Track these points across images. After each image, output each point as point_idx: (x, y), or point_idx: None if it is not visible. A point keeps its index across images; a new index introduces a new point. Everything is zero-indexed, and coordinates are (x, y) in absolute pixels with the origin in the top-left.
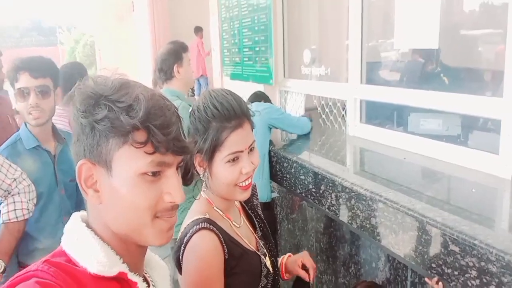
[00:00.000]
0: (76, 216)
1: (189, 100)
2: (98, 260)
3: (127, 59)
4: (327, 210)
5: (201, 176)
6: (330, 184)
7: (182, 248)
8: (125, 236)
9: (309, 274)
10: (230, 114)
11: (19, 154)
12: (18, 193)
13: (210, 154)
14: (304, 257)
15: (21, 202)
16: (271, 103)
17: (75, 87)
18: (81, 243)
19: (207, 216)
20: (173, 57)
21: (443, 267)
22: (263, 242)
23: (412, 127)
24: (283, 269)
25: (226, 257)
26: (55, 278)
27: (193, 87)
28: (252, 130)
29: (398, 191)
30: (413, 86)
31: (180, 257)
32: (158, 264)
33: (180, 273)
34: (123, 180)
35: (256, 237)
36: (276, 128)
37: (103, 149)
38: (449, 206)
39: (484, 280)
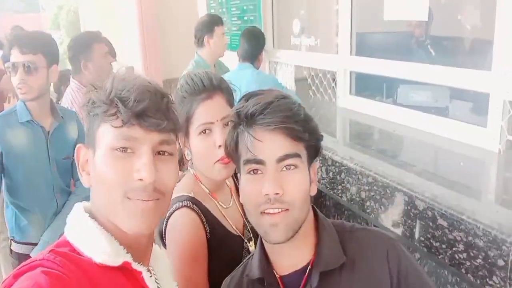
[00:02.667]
0: (79, 206)
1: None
2: (103, 250)
3: (112, 27)
4: (317, 183)
5: (187, 156)
6: (320, 158)
7: (164, 222)
8: (112, 221)
9: None
10: (199, 87)
11: (10, 126)
12: None
13: (185, 130)
14: None
15: None
16: (263, 42)
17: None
18: (84, 233)
19: (191, 195)
20: (205, 29)
21: (431, 240)
22: (251, 225)
23: (402, 99)
24: None
25: (208, 236)
26: (61, 267)
27: None
28: (231, 106)
29: (387, 164)
30: (403, 58)
31: (163, 232)
32: (159, 253)
33: (164, 247)
34: (99, 157)
35: (245, 219)
36: None
37: (91, 131)
38: (437, 180)
39: (471, 254)
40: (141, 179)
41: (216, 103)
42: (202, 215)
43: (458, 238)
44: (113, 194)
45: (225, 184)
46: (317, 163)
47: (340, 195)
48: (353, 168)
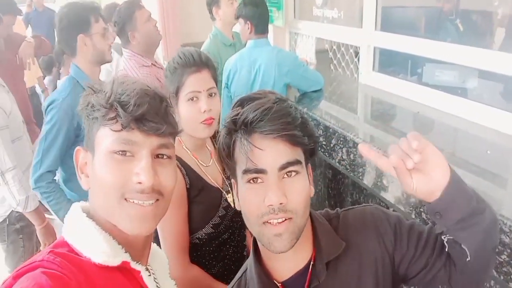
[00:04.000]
0: (77, 206)
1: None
2: (102, 250)
3: None
4: (337, 164)
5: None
6: (341, 139)
7: None
8: (112, 222)
9: None
10: (190, 61)
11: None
12: None
13: (176, 95)
14: None
15: None
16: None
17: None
18: (83, 234)
19: None
20: (212, 1)
21: None
22: (229, 182)
23: (427, 77)
24: None
25: (188, 186)
26: (61, 268)
27: None
28: (216, 83)
29: None
30: (430, 35)
31: None
32: (156, 252)
33: None
34: (97, 159)
35: (224, 177)
36: (291, 86)
37: (90, 134)
38: (462, 168)
39: (496, 250)
40: (140, 182)
41: (203, 76)
42: (182, 168)
43: None
44: (111, 196)
45: (205, 147)
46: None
47: (360, 177)
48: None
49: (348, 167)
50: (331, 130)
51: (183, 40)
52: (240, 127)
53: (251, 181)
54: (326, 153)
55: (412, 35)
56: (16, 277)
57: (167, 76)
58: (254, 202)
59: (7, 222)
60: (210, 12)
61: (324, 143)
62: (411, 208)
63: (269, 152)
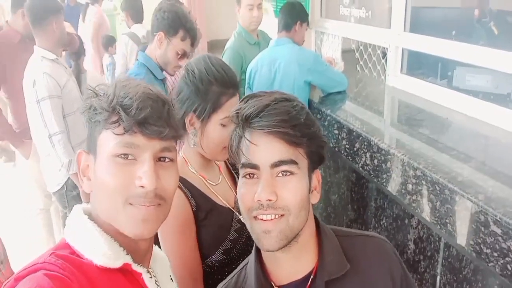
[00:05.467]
0: (78, 209)
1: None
2: (103, 252)
3: None
4: (360, 168)
5: (190, 133)
6: (365, 143)
7: None
8: (114, 225)
9: None
10: (230, 81)
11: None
12: None
13: (209, 115)
14: None
15: None
16: (299, 12)
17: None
18: (84, 236)
19: None
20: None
21: (481, 245)
22: None
23: (458, 82)
24: None
25: (194, 209)
26: (62, 270)
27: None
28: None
29: (437, 158)
30: (462, 37)
31: None
32: (158, 255)
33: None
34: (100, 163)
35: (236, 194)
36: (314, 86)
37: (92, 137)
38: (493, 180)
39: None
40: (142, 186)
41: (237, 100)
42: (186, 190)
43: None
44: (114, 200)
45: (213, 164)
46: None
47: (384, 184)
48: (400, 158)
49: (372, 173)
50: (354, 133)
51: (209, 37)
52: (240, 121)
53: (247, 176)
54: (349, 157)
55: (442, 37)
56: (18, 279)
57: (198, 87)
58: (246, 197)
59: (65, 189)
60: (236, 9)
61: (347, 146)
62: (436, 219)
63: (263, 148)
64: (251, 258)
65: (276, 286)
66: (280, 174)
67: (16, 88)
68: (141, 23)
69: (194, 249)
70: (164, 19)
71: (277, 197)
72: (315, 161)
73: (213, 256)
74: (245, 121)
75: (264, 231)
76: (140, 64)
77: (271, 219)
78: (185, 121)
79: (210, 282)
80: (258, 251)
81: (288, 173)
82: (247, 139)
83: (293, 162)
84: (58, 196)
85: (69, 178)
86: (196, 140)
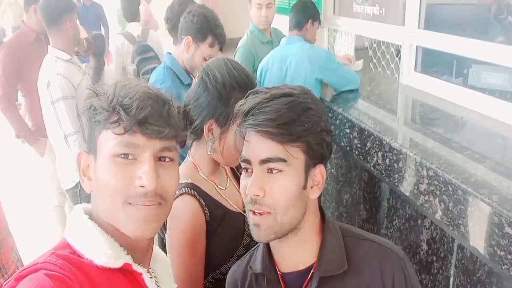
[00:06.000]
0: (79, 208)
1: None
2: (104, 252)
3: None
4: (372, 168)
5: (208, 139)
6: (377, 143)
7: None
8: (114, 225)
9: None
10: (251, 87)
11: (178, 88)
12: None
13: (226, 120)
14: None
15: None
16: (311, 10)
17: None
18: (85, 236)
19: (189, 181)
20: None
21: (495, 248)
22: None
23: (473, 80)
24: None
25: (208, 219)
26: (63, 270)
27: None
28: None
29: (450, 158)
30: (478, 35)
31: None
32: (159, 256)
33: (165, 233)
34: (100, 163)
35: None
36: (326, 83)
37: (92, 137)
38: (508, 182)
39: None
40: (142, 186)
41: None
42: (200, 199)
43: None
44: (115, 200)
45: (220, 167)
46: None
47: (396, 184)
48: (412, 158)
49: (384, 172)
50: (366, 132)
51: None
52: (239, 117)
53: (245, 170)
54: (361, 156)
55: (457, 34)
56: (18, 279)
57: (221, 93)
58: (243, 189)
59: (79, 187)
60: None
61: (359, 145)
62: (448, 220)
63: (253, 145)
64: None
65: (279, 271)
66: (269, 171)
67: (32, 87)
68: (138, 21)
69: (200, 264)
70: (193, 23)
71: (265, 193)
72: (314, 157)
73: (227, 264)
74: (242, 118)
75: (254, 224)
76: (166, 68)
77: (260, 214)
78: (204, 128)
79: None
80: None
81: (276, 171)
82: (242, 135)
83: (280, 159)
84: (72, 194)
85: None
86: (214, 146)
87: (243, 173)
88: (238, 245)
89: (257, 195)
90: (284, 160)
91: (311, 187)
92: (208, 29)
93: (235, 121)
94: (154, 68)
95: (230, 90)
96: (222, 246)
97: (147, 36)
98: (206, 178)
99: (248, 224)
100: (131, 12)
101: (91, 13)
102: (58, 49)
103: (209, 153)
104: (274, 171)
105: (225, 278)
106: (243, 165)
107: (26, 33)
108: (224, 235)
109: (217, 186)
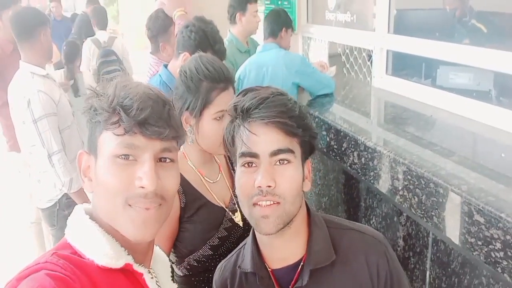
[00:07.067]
0: (80, 209)
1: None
2: (105, 252)
3: None
4: (349, 167)
5: (186, 130)
6: (353, 143)
7: None
8: (114, 227)
9: None
10: (220, 76)
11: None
12: None
13: (200, 111)
14: None
15: None
16: (284, 19)
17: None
18: (86, 236)
19: None
20: (238, 5)
21: (466, 235)
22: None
23: (441, 80)
24: None
25: (182, 205)
26: (64, 270)
27: None
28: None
29: (423, 152)
30: (445, 37)
31: None
32: (159, 256)
33: None
34: (101, 164)
35: (233, 194)
36: (300, 86)
37: (92, 138)
38: (476, 172)
39: (509, 253)
40: (142, 187)
41: (230, 93)
42: (180, 187)
43: (496, 236)
44: (115, 201)
45: (213, 161)
46: (310, 161)
47: (372, 181)
48: (386, 155)
49: (360, 171)
50: (342, 133)
51: None
52: (239, 113)
53: (246, 165)
54: (338, 157)
55: (425, 37)
56: (20, 279)
57: (189, 85)
58: (246, 184)
59: (57, 207)
60: (232, 15)
61: (335, 146)
62: (422, 212)
63: (262, 138)
64: (249, 240)
65: (270, 268)
66: (278, 163)
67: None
68: (105, 30)
69: (164, 243)
70: (190, 39)
71: (275, 184)
72: (307, 151)
73: (200, 251)
74: (245, 113)
75: (262, 216)
76: (162, 83)
77: (269, 205)
78: (181, 119)
79: (200, 278)
80: (254, 236)
81: (286, 162)
82: (247, 129)
83: (290, 150)
84: (48, 213)
85: (62, 196)
86: (193, 137)
87: (243, 169)
88: (211, 235)
89: (269, 186)
90: (292, 151)
91: (304, 180)
92: (207, 44)
93: (206, 110)
94: (114, 70)
95: (197, 81)
96: (196, 234)
97: (113, 43)
98: (194, 167)
99: (228, 219)
100: (101, 22)
101: (62, 28)
102: (33, 64)
103: (189, 143)
104: (283, 163)
105: (197, 265)
106: (245, 160)
107: (2, 45)
108: (199, 224)
109: (204, 177)
